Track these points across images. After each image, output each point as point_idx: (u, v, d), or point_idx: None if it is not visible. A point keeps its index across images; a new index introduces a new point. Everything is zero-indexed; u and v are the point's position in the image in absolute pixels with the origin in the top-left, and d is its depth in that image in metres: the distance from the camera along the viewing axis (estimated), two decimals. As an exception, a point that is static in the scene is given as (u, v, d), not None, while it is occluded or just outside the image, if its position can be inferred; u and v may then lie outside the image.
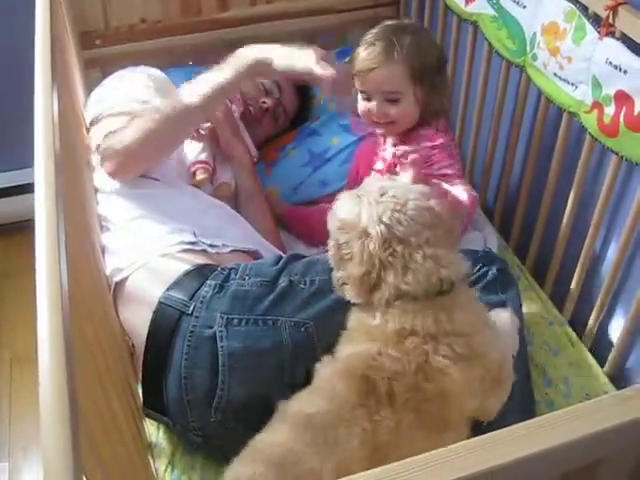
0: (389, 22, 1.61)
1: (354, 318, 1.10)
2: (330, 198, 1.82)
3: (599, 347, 1.57)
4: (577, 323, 1.61)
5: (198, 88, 1.45)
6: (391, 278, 1.04)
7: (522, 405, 1.29)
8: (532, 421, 0.74)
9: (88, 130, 1.63)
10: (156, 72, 1.78)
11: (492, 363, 1.07)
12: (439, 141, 1.50)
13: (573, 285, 1.59)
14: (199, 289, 1.27)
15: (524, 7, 1.52)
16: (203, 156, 1.59)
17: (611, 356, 1.51)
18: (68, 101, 1.37)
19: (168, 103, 1.45)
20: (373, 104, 1.53)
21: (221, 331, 1.21)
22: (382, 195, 1.08)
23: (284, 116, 1.99)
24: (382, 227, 1.04)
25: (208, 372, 1.22)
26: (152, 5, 2.04)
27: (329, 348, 1.19)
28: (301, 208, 1.81)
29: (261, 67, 1.46)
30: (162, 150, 1.46)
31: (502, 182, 1.81)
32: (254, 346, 1.21)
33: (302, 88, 2.05)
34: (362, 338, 1.06)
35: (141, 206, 1.44)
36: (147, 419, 1.37)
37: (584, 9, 1.35)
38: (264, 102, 1.90)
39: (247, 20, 2.15)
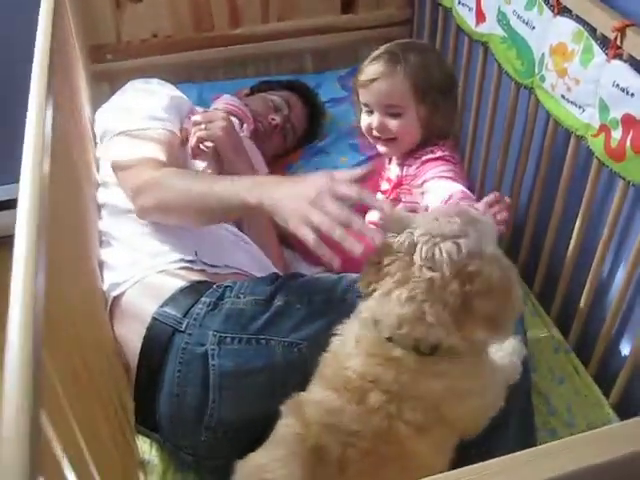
0: (400, 40, 1.61)
1: (337, 342, 1.04)
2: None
3: (604, 376, 1.53)
4: (583, 350, 1.57)
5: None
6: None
7: (520, 439, 1.25)
8: (535, 449, 0.71)
9: (96, 144, 1.63)
10: (171, 87, 1.76)
11: (467, 430, 1.01)
12: (439, 154, 1.48)
13: (579, 311, 1.56)
14: (193, 306, 1.25)
15: (533, 28, 1.50)
16: None
17: (616, 386, 1.47)
18: (70, 114, 1.37)
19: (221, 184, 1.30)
20: (374, 117, 1.51)
21: (213, 349, 1.19)
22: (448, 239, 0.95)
23: (293, 134, 1.98)
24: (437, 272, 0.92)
25: (199, 390, 1.20)
26: (164, 20, 2.05)
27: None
28: None
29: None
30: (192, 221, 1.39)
31: (512, 202, 1.77)
32: (246, 366, 1.19)
33: (312, 106, 2.05)
34: (329, 380, 1.01)
35: (146, 223, 1.43)
36: (140, 436, 1.35)
37: (592, 30, 1.33)
38: (273, 119, 1.89)
39: (258, 37, 2.15)
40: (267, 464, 0.97)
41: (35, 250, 0.77)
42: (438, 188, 1.42)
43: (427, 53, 1.54)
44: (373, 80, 1.50)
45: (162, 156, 1.43)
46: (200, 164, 1.58)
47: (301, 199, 1.08)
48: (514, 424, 1.23)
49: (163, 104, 1.59)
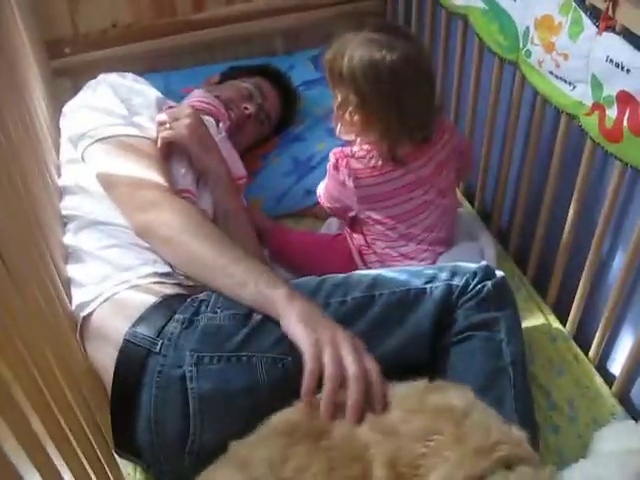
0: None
1: None
2: (315, 208, 1.75)
3: (607, 364, 1.46)
4: (582, 338, 1.50)
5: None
6: None
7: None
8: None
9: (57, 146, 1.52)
10: (147, 84, 1.64)
11: None
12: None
13: (577, 297, 1.48)
14: (167, 324, 1.16)
15: (515, -1, 1.40)
16: (185, 183, 1.44)
17: (619, 375, 1.39)
18: (18, 121, 1.26)
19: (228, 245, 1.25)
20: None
21: (190, 371, 1.11)
22: None
23: (267, 122, 1.88)
24: None
25: (179, 415, 1.11)
26: (122, 8, 1.94)
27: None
28: (285, 230, 1.70)
29: None
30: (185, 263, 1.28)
31: (499, 186, 1.69)
32: (227, 387, 1.10)
33: (285, 91, 1.95)
34: None
35: (115, 234, 1.33)
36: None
37: (581, 0, 1.23)
38: (246, 108, 1.79)
39: (224, 20, 2.04)
40: None
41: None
42: None
43: None
44: None
45: (160, 173, 1.35)
46: (179, 169, 1.47)
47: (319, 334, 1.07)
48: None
49: (149, 105, 1.50)
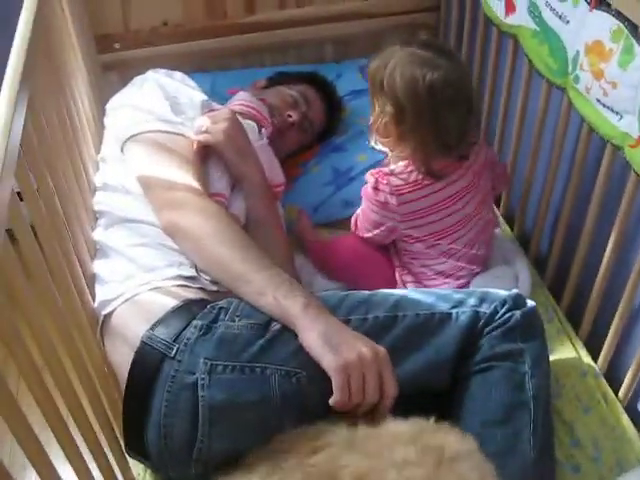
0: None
1: None
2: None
3: (636, 405, 1.41)
4: (613, 376, 1.45)
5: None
6: None
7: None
8: None
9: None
10: (193, 85, 1.64)
11: None
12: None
13: (610, 333, 1.43)
14: (184, 329, 1.15)
15: (567, 22, 1.35)
16: (219, 187, 1.44)
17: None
18: (55, 112, 1.27)
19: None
20: None
21: (203, 378, 1.10)
22: None
23: (310, 130, 1.86)
24: None
25: (188, 422, 1.11)
26: (174, 8, 1.94)
27: (322, 402, 1.08)
28: (327, 240, 1.67)
29: None
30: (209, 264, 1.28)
31: (540, 212, 1.64)
32: (237, 398, 1.09)
33: (330, 100, 1.93)
34: None
35: (144, 232, 1.33)
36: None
37: (633, 28, 1.18)
38: (290, 115, 1.77)
39: (275, 25, 2.03)
40: None
41: None
42: None
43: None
44: None
45: (194, 175, 1.35)
46: (215, 172, 1.47)
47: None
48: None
49: (194, 106, 1.51)
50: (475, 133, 1.46)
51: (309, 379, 1.11)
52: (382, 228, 1.48)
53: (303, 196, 1.82)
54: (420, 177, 1.41)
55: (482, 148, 1.49)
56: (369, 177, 1.46)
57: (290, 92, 1.82)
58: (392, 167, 1.44)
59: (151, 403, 1.13)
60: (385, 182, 1.42)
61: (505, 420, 1.15)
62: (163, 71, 1.61)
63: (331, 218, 1.80)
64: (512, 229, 1.79)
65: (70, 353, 1.12)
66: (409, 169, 1.42)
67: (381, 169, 1.45)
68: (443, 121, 1.35)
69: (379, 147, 1.48)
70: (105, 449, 1.21)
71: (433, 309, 1.20)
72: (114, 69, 1.94)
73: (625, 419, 1.37)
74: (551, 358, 1.29)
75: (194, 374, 1.11)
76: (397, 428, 0.97)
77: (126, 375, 1.17)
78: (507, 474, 1.08)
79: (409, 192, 1.42)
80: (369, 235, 1.51)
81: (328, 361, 1.07)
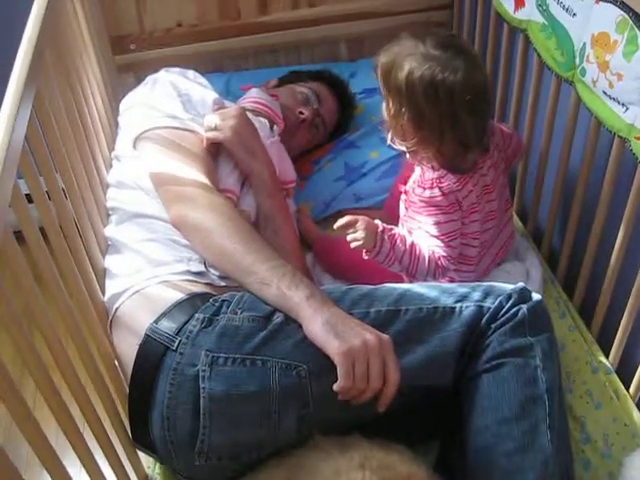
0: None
1: None
2: (362, 212, 1.71)
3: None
4: (625, 372, 1.43)
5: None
6: None
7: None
8: None
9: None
10: (206, 83, 1.66)
11: None
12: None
13: (621, 329, 1.41)
14: (187, 322, 1.16)
15: (574, 15, 1.34)
16: (229, 182, 1.45)
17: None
18: (65, 110, 1.29)
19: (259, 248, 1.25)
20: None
21: (204, 370, 1.11)
22: None
23: (322, 127, 1.87)
24: None
25: (190, 414, 1.12)
26: (188, 8, 1.97)
27: (322, 396, 1.09)
28: (332, 240, 1.65)
29: None
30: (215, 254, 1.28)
31: (552, 207, 1.63)
32: (238, 390, 1.10)
33: (342, 97, 1.93)
34: None
35: (155, 228, 1.35)
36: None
37: (638, 19, 1.17)
38: (301, 112, 1.78)
39: (289, 24, 2.05)
40: None
41: None
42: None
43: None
44: None
45: (203, 170, 1.37)
46: (226, 167, 1.48)
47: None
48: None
49: (205, 104, 1.53)
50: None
51: (309, 372, 1.11)
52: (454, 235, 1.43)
53: (316, 193, 1.83)
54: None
55: (501, 139, 1.49)
56: (427, 193, 1.39)
57: (302, 89, 1.83)
58: (430, 174, 1.40)
59: (155, 395, 1.15)
60: (446, 184, 1.38)
61: (521, 416, 1.12)
62: (176, 70, 1.63)
63: (341, 208, 1.79)
64: (525, 225, 1.78)
65: (80, 350, 1.13)
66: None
67: (432, 179, 1.40)
68: (463, 121, 1.32)
69: (397, 146, 1.44)
70: (116, 446, 1.22)
71: (437, 303, 1.19)
72: (130, 70, 1.97)
73: (636, 415, 1.35)
74: (563, 354, 1.27)
75: (196, 366, 1.12)
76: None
77: (131, 367, 1.18)
78: (529, 469, 1.08)
79: (462, 187, 1.39)
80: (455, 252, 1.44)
81: (333, 347, 1.07)
